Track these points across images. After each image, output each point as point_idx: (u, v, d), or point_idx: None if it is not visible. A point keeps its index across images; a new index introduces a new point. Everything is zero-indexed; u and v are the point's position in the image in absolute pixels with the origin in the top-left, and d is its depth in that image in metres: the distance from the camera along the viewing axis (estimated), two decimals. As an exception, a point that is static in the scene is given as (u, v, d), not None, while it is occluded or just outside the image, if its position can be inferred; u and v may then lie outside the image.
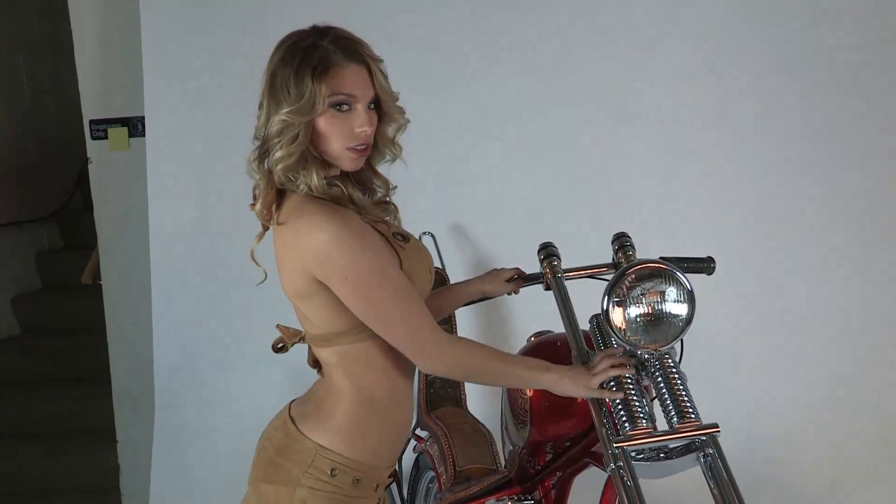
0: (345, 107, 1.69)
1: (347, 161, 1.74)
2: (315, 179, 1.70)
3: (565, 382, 1.76)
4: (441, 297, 2.18)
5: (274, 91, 1.70)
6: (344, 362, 1.80)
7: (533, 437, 2.09)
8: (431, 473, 2.83)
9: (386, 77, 1.75)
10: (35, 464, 4.41)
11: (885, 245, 3.46)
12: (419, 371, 3.01)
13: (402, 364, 1.82)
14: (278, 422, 1.89)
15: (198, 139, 3.58)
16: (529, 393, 2.06)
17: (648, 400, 1.75)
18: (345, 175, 1.81)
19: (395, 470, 1.99)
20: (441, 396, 3.02)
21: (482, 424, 2.90)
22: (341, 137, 1.70)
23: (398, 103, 1.79)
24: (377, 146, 1.82)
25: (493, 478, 2.38)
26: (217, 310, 3.63)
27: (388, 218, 1.86)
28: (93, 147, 3.95)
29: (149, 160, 3.63)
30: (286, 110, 1.66)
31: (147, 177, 3.64)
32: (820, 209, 3.46)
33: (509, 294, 2.21)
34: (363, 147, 1.73)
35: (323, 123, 1.69)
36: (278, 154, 1.70)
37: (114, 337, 4.07)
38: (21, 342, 5.12)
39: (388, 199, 1.92)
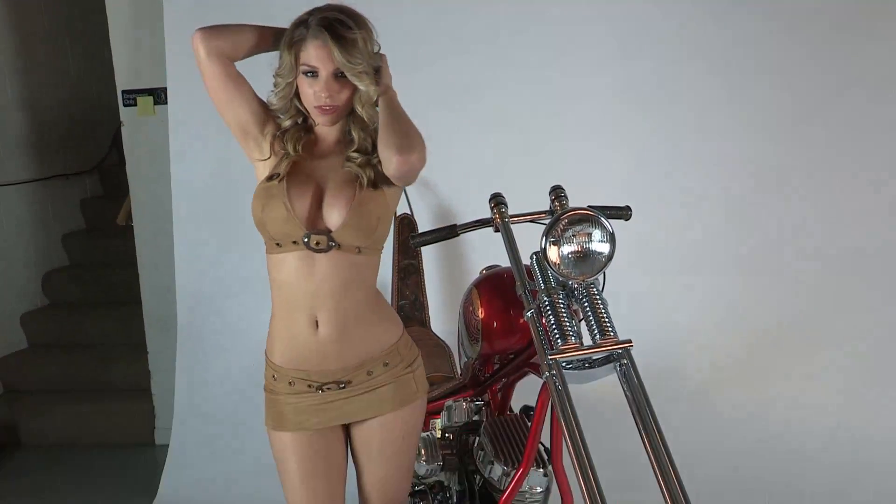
0: (311, 74, 1.72)
1: (316, 116, 1.78)
2: (287, 123, 1.82)
3: None
4: None
5: (279, 53, 1.77)
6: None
7: (484, 351, 2.07)
8: (401, 379, 2.80)
9: (349, 52, 1.67)
10: (87, 369, 4.40)
11: (758, 198, 3.46)
12: (392, 297, 2.99)
13: (287, 279, 1.77)
14: None
15: (211, 106, 3.43)
16: (482, 315, 2.03)
17: (577, 321, 1.73)
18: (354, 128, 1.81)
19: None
20: (410, 318, 2.99)
21: (443, 340, 2.88)
22: (309, 97, 1.75)
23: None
24: (354, 108, 1.78)
25: (451, 383, 2.37)
26: (228, 245, 3.55)
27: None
28: (125, 113, 3.86)
29: (170, 123, 3.57)
30: (277, 70, 1.77)
31: (169, 137, 3.58)
32: (710, 169, 3.45)
33: None
34: (328, 108, 1.73)
35: (301, 85, 1.75)
36: (273, 99, 1.81)
37: (144, 268, 4.00)
38: (70, 272, 5.02)
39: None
